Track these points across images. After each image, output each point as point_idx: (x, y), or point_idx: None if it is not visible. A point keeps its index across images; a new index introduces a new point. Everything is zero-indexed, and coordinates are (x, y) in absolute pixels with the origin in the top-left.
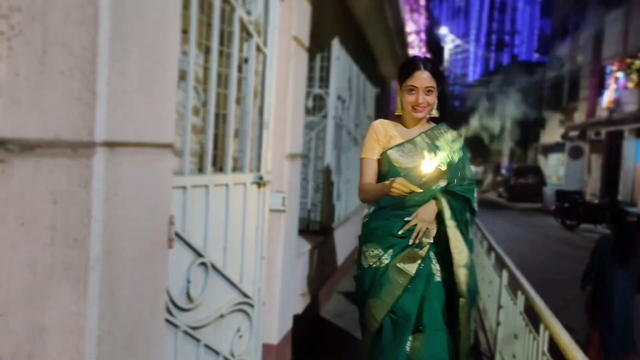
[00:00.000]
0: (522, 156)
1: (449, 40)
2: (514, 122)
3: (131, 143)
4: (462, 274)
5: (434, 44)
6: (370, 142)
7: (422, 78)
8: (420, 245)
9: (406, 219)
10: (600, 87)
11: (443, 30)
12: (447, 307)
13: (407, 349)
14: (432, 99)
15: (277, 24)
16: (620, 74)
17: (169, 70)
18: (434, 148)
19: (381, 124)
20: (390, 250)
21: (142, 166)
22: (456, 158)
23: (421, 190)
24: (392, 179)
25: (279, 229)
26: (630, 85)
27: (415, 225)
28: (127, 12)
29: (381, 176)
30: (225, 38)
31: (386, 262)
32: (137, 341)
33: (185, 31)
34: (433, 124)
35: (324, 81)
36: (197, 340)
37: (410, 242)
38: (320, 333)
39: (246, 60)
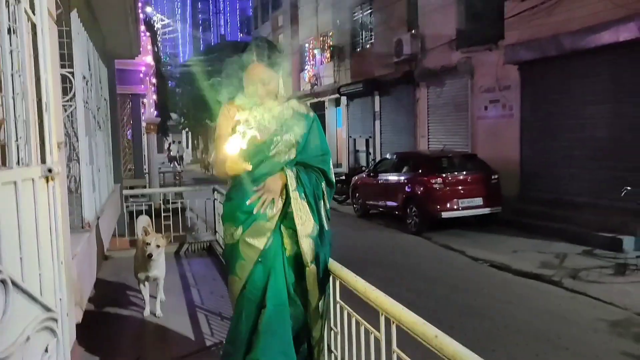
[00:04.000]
0: None
1: (157, 19)
2: (230, 98)
3: None
4: (305, 244)
5: (148, 23)
6: (223, 119)
7: (257, 71)
8: (265, 217)
9: (254, 188)
10: (301, 63)
11: (149, 9)
12: (301, 280)
13: (258, 323)
14: (272, 86)
15: None
16: (316, 52)
17: None
18: (282, 122)
19: (232, 103)
20: (242, 226)
21: None
22: (307, 131)
23: (249, 168)
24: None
25: None
26: (326, 61)
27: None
28: None
29: None
30: None
31: (238, 238)
32: None
33: None
34: (285, 99)
35: (66, 60)
36: None
37: (255, 211)
38: (96, 336)
39: (14, 31)
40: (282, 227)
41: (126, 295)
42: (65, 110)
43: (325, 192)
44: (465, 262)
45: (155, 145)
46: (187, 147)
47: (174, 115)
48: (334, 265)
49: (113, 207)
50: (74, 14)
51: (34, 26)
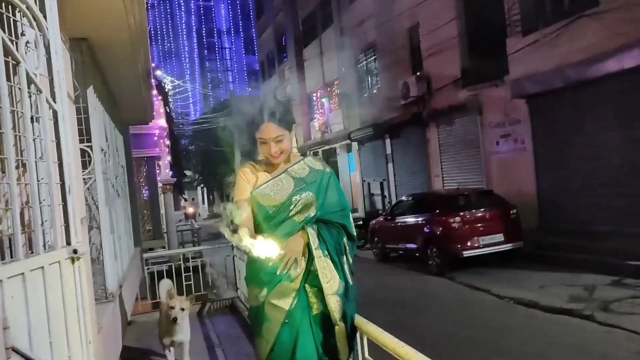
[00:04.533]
0: None
1: (168, 82)
2: (243, 152)
3: None
4: (332, 302)
5: (159, 86)
6: (241, 183)
7: (269, 130)
8: (289, 278)
9: None
10: (310, 113)
11: (159, 72)
12: (329, 338)
13: None
14: (285, 145)
15: (63, 76)
16: (324, 100)
17: None
18: (300, 181)
19: (248, 166)
20: (266, 288)
21: None
22: (324, 187)
23: (275, 258)
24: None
25: None
26: (334, 108)
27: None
28: None
29: (253, 215)
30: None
31: (262, 299)
32: None
33: None
34: (299, 157)
35: (84, 135)
36: None
37: (278, 272)
38: None
39: (37, 119)
40: (307, 286)
41: None
42: (86, 183)
43: (347, 247)
44: (491, 300)
45: (172, 205)
46: (203, 203)
47: (188, 173)
48: (360, 320)
49: (134, 272)
50: (90, 91)
51: (54, 112)
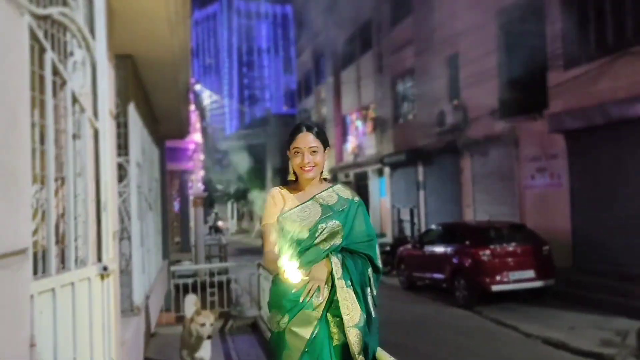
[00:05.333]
0: None
1: (206, 96)
2: (274, 170)
3: None
4: (352, 335)
5: (198, 101)
6: (269, 207)
7: (306, 139)
8: (311, 306)
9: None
10: (344, 135)
11: (197, 87)
12: None
13: None
14: (319, 158)
15: (106, 95)
16: (359, 123)
17: (23, 166)
18: (328, 209)
19: (277, 190)
20: (288, 315)
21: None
22: (352, 216)
23: (306, 278)
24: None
25: None
26: (368, 132)
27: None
28: None
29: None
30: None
31: (284, 326)
32: None
33: None
34: (328, 184)
35: (122, 148)
36: None
37: (301, 299)
38: None
39: (78, 136)
40: (329, 316)
41: None
42: (120, 196)
43: (371, 279)
44: (518, 338)
45: (202, 218)
46: (232, 217)
47: (219, 187)
48: (382, 354)
49: (161, 285)
50: (131, 107)
51: (96, 130)
